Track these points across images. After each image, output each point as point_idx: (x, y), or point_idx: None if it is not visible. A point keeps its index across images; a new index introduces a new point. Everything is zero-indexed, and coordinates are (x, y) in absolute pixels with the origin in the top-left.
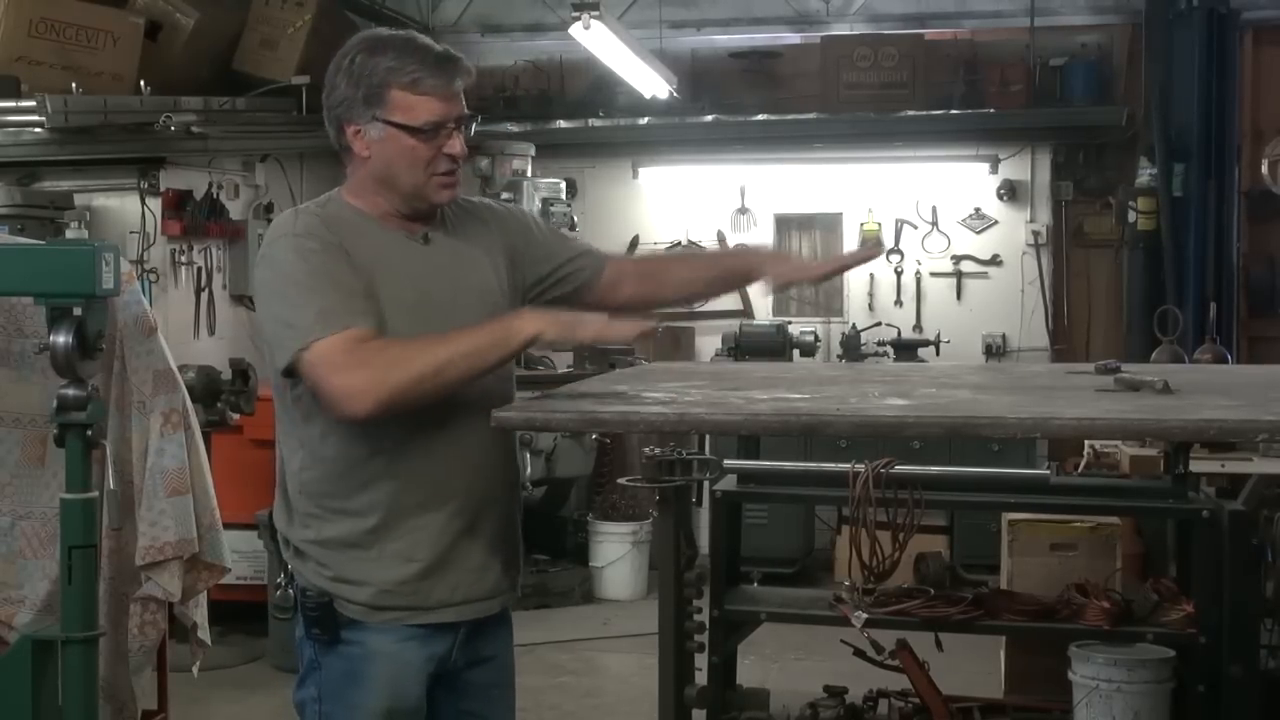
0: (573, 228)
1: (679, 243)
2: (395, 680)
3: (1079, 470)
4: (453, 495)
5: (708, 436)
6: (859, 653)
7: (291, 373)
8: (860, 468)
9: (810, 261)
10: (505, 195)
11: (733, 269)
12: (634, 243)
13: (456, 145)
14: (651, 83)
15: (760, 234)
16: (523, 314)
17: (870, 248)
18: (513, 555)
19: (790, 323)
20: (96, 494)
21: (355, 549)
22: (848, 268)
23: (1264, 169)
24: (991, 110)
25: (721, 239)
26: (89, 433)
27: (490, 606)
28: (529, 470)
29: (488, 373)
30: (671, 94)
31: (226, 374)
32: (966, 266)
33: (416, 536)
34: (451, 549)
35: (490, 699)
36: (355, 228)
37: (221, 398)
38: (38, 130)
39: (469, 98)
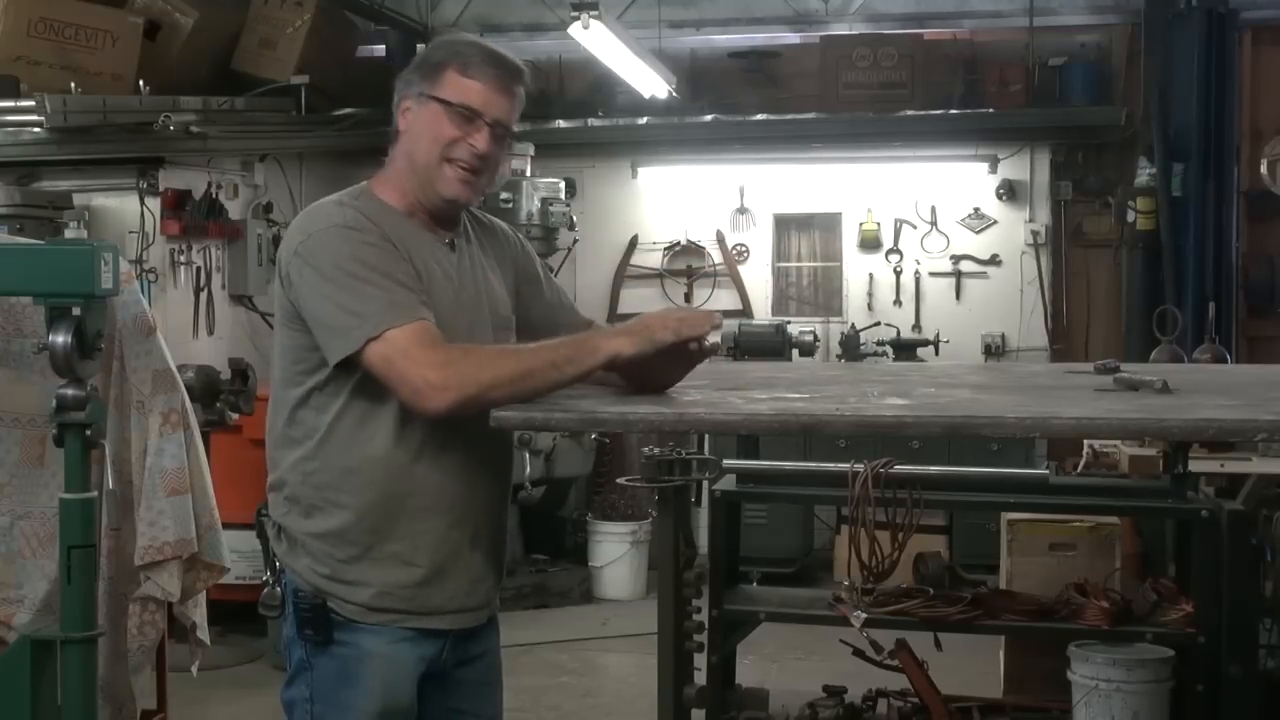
0: (571, 227)
1: (678, 243)
2: (388, 681)
3: (1078, 470)
4: (457, 503)
5: (707, 436)
6: (858, 653)
7: (346, 364)
8: (859, 468)
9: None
10: (505, 195)
11: None
12: (633, 243)
13: (481, 141)
14: (650, 83)
15: (760, 234)
16: (599, 332)
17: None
18: (502, 566)
19: (789, 322)
20: (95, 494)
21: (354, 546)
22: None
23: (1263, 169)
24: (990, 110)
25: (721, 239)
26: (88, 432)
27: (479, 617)
28: (529, 470)
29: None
30: (670, 94)
31: (225, 374)
32: (966, 266)
33: (417, 541)
34: (452, 557)
35: (479, 697)
36: (393, 223)
37: (220, 397)
38: (37, 130)
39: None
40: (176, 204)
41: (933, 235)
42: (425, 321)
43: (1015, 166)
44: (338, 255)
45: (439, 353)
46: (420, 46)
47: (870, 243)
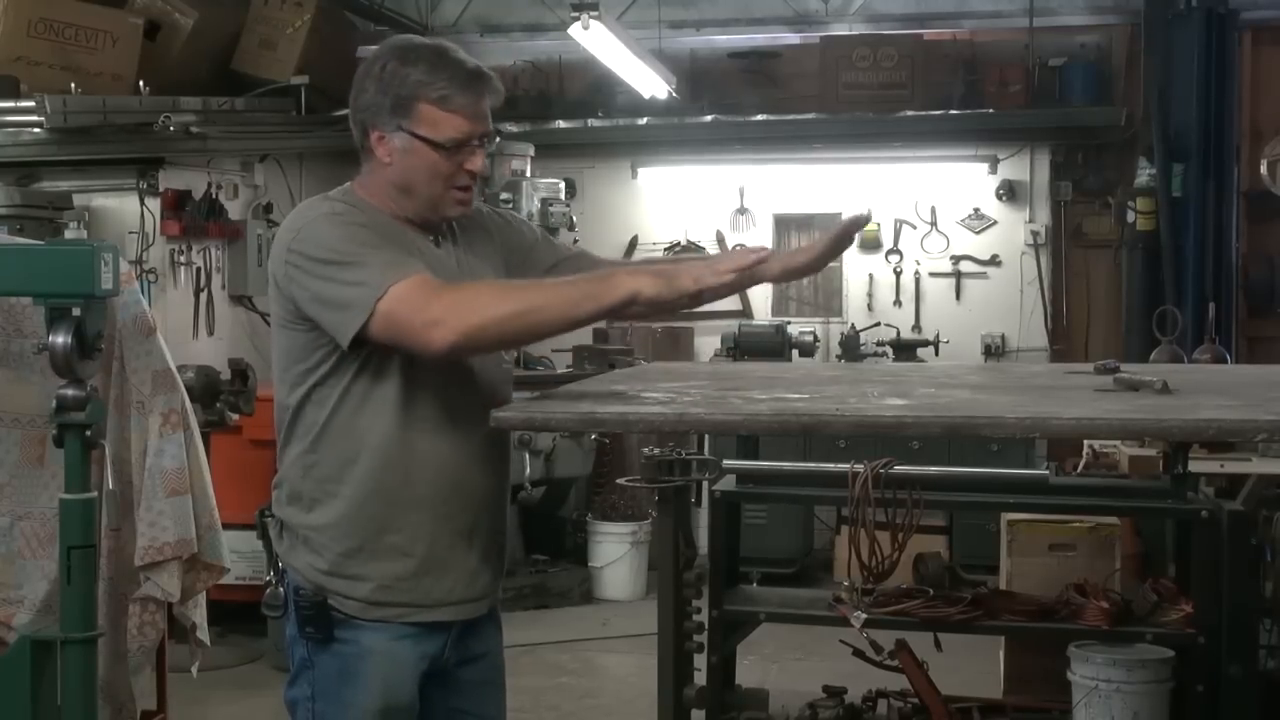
0: (571, 228)
1: (678, 243)
2: (389, 678)
3: (1078, 470)
4: (454, 493)
5: (707, 436)
6: (858, 653)
7: (360, 342)
8: (859, 468)
9: (790, 252)
10: (504, 195)
11: None
12: (633, 243)
13: (478, 162)
14: (650, 83)
15: (759, 234)
16: (623, 269)
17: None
18: (501, 558)
19: (789, 323)
20: (95, 494)
21: (353, 538)
22: (829, 254)
23: (1263, 169)
24: (990, 110)
25: (721, 240)
26: (88, 433)
27: (480, 608)
28: (528, 470)
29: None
30: (670, 94)
31: (225, 374)
32: (966, 266)
33: (416, 531)
34: (450, 548)
35: (481, 696)
36: (377, 220)
37: (220, 398)
38: (37, 130)
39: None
40: (176, 204)
41: (933, 235)
42: (424, 274)
43: (1015, 167)
44: (330, 239)
45: (440, 292)
46: (373, 65)
47: (870, 243)
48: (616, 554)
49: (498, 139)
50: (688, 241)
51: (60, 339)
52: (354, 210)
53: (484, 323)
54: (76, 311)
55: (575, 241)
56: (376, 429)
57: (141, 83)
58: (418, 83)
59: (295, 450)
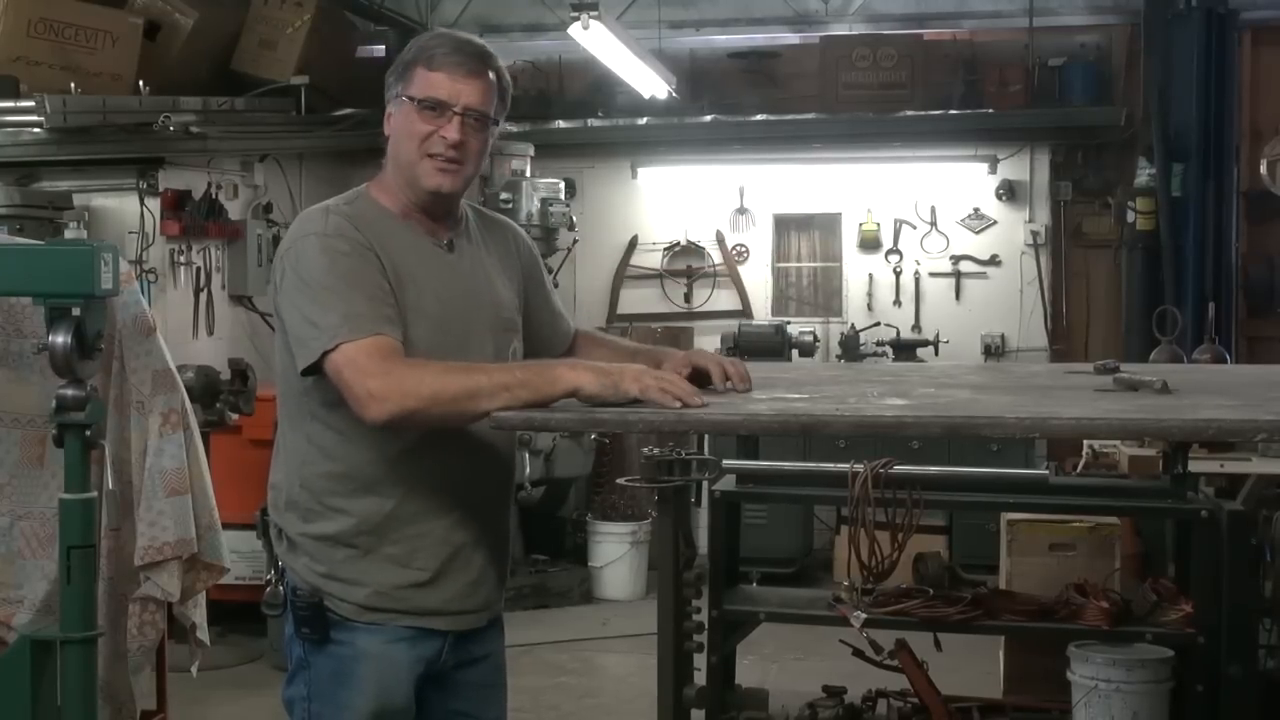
0: (571, 228)
1: (678, 243)
2: (384, 680)
3: (1078, 470)
4: (455, 507)
5: (706, 436)
6: (858, 653)
7: (311, 371)
8: (859, 468)
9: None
10: (505, 195)
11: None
12: (632, 243)
13: (451, 131)
14: (650, 83)
15: (759, 234)
16: (564, 363)
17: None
18: (504, 569)
19: (789, 323)
20: (95, 494)
21: (350, 549)
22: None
23: (1263, 169)
24: (990, 110)
25: (720, 239)
26: (88, 433)
27: (478, 619)
28: (528, 470)
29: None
30: (670, 94)
31: (225, 374)
32: (965, 266)
33: (414, 544)
34: (450, 561)
35: (481, 699)
36: (383, 229)
37: (220, 398)
38: (36, 130)
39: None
40: (176, 204)
41: (932, 235)
42: (381, 336)
43: (1015, 167)
44: (308, 265)
45: (385, 364)
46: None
47: (870, 243)
48: (616, 554)
49: (494, 124)
50: (687, 241)
51: (60, 339)
52: (349, 231)
53: (421, 406)
54: (76, 311)
55: (575, 242)
56: (371, 444)
57: (141, 83)
58: (418, 49)
59: (293, 459)
